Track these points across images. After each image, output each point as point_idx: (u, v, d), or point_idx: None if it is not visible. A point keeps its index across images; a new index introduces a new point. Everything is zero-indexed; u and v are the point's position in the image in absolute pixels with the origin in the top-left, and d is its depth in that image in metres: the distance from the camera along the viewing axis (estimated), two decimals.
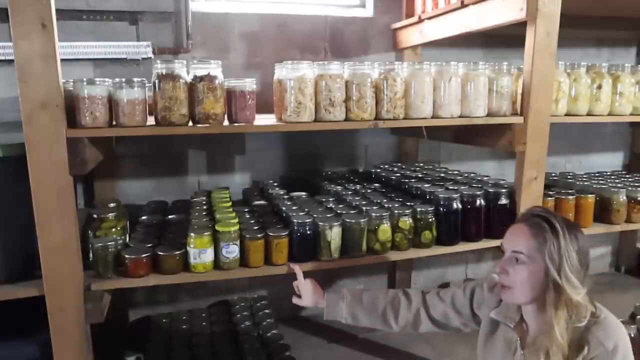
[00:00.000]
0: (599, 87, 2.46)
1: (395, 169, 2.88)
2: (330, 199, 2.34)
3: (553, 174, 3.04)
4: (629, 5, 2.63)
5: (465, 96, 2.10)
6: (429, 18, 2.64)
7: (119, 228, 1.97)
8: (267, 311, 2.76)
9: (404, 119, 2.02)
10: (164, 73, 1.73)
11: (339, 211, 2.11)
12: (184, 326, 2.62)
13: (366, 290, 1.86)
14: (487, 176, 2.76)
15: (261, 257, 1.93)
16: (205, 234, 1.85)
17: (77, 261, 1.72)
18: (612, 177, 3.04)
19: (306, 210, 2.13)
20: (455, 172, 2.83)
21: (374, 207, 2.12)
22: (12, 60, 1.57)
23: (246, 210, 2.25)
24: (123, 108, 1.71)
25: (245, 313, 2.73)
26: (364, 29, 2.99)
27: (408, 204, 2.18)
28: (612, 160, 3.72)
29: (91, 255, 1.84)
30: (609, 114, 2.53)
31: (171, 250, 1.86)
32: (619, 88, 2.51)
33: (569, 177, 2.94)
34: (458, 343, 2.61)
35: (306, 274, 1.90)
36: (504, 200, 2.24)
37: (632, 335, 2.23)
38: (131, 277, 1.82)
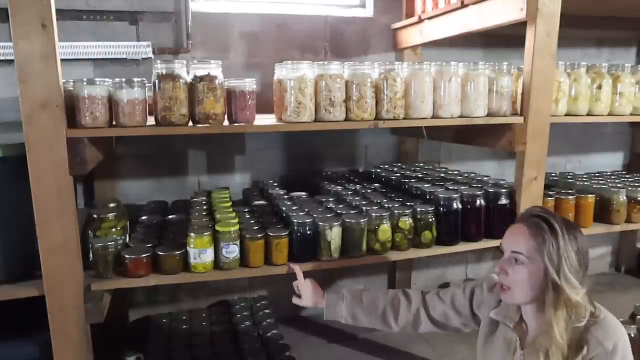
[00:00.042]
0: (599, 87, 2.46)
1: (395, 169, 2.88)
2: (330, 199, 2.34)
3: (553, 174, 3.04)
4: (629, 5, 2.63)
5: (465, 96, 2.10)
6: (429, 18, 2.64)
7: (119, 228, 1.97)
8: (267, 311, 2.76)
9: (404, 119, 2.02)
10: (164, 73, 1.73)
11: (339, 211, 2.11)
12: (184, 326, 2.62)
13: (366, 290, 1.86)
14: (487, 176, 2.76)
15: (261, 257, 1.93)
16: (205, 234, 1.85)
17: (77, 261, 1.72)
18: (612, 177, 3.04)
19: (306, 210, 2.13)
20: (455, 172, 2.83)
21: (374, 207, 2.12)
22: (12, 60, 1.57)
23: (246, 210, 2.25)
24: (123, 108, 1.71)
25: (245, 313, 2.73)
26: (364, 29, 2.99)
27: (408, 204, 2.18)
28: (612, 160, 3.72)
29: (91, 255, 1.84)
30: (609, 114, 2.53)
31: (171, 250, 1.86)
32: (619, 88, 2.51)
33: (569, 177, 2.94)
34: (458, 343, 2.61)
35: (306, 274, 1.90)
36: (504, 200, 2.24)
37: (632, 335, 2.23)
38: (131, 277, 1.82)
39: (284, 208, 2.15)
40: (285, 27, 2.85)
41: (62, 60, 1.61)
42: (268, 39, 2.82)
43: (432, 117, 2.07)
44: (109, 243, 1.82)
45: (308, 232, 1.96)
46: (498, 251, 1.47)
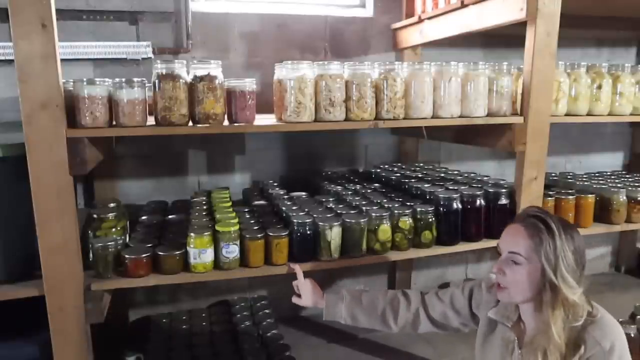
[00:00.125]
0: (599, 87, 2.46)
1: (395, 169, 2.88)
2: (330, 199, 2.34)
3: (553, 174, 3.04)
4: (629, 5, 2.63)
5: (465, 96, 2.10)
6: (429, 18, 2.64)
7: (119, 228, 1.97)
8: (267, 311, 2.76)
9: (404, 119, 2.02)
10: (164, 73, 1.73)
11: (339, 211, 2.11)
12: (184, 326, 2.62)
13: (365, 290, 1.86)
14: (487, 176, 2.76)
15: (261, 257, 1.94)
16: (205, 234, 1.85)
17: (77, 261, 1.72)
18: (612, 177, 3.04)
19: (306, 210, 2.13)
20: (455, 172, 2.83)
21: (374, 207, 2.12)
22: (12, 60, 1.58)
23: (246, 210, 2.25)
24: (123, 108, 1.72)
25: (245, 313, 2.73)
26: (364, 29, 2.99)
27: (408, 204, 2.18)
28: (612, 160, 3.72)
29: (91, 255, 1.84)
30: (609, 114, 2.53)
31: (171, 250, 1.86)
32: (619, 88, 2.51)
33: (569, 177, 2.94)
34: (458, 343, 2.61)
35: (306, 274, 1.90)
36: (504, 200, 2.24)
37: (632, 335, 2.23)
38: (131, 277, 1.82)
39: (284, 208, 2.15)
40: (285, 27, 2.85)
41: (62, 60, 1.62)
42: (268, 39, 2.82)
43: (432, 117, 2.07)
44: (109, 243, 1.82)
45: (308, 232, 1.96)
46: (497, 251, 1.47)
